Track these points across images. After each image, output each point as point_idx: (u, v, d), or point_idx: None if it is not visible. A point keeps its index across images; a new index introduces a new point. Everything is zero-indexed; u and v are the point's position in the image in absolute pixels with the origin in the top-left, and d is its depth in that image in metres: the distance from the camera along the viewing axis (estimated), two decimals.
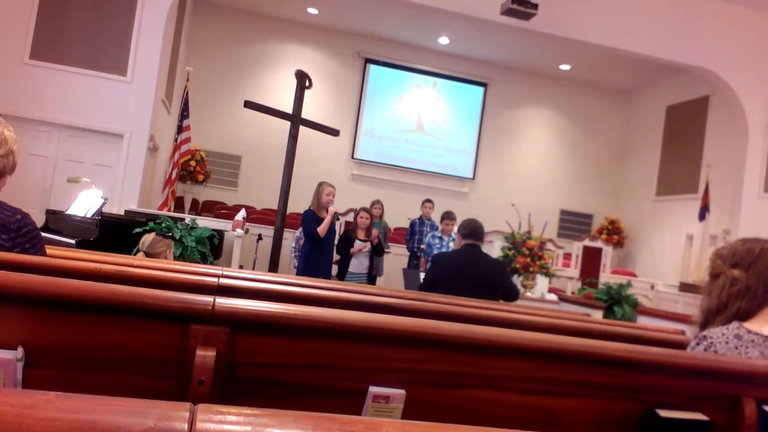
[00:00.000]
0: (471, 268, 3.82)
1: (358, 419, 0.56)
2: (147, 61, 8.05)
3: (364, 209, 7.15)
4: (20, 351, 1.06)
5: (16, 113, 7.41)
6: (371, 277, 7.18)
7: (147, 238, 4.15)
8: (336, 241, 7.01)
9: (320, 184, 6.51)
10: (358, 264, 6.97)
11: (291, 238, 7.48)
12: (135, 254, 4.34)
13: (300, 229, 7.36)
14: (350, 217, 8.66)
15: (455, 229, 6.48)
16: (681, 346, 2.05)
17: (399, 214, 10.65)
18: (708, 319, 1.76)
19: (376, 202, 8.11)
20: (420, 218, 8.15)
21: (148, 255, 4.03)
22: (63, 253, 2.38)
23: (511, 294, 3.99)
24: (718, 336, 1.64)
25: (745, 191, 9.39)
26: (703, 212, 9.82)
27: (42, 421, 0.48)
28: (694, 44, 9.29)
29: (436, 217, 8.25)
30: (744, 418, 1.33)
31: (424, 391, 1.22)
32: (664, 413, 1.30)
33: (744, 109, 9.42)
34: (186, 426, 0.51)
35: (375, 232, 6.86)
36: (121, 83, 7.99)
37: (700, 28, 9.28)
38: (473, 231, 3.96)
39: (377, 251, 7.04)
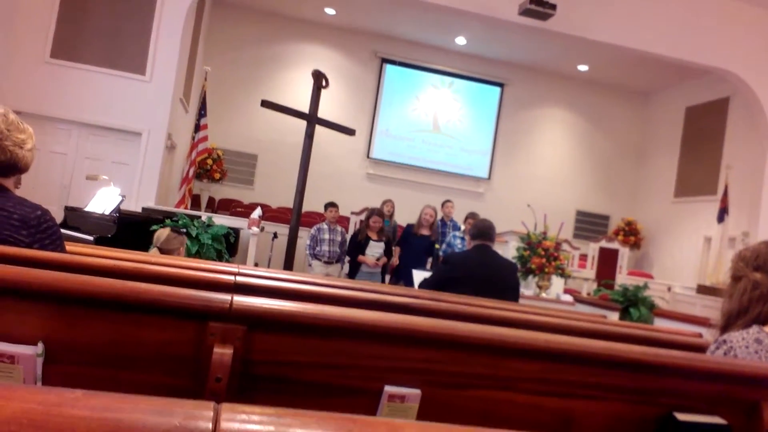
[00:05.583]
0: (482, 269, 3.79)
1: (380, 420, 0.56)
2: (165, 61, 8.12)
3: (376, 212, 7.15)
4: (40, 346, 1.08)
5: (36, 111, 7.50)
6: (384, 276, 7.21)
7: (161, 234, 4.15)
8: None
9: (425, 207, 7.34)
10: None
11: (306, 237, 7.50)
12: (150, 250, 4.36)
13: (315, 227, 7.40)
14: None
15: None
16: (698, 349, 2.03)
17: (414, 214, 10.57)
18: (728, 322, 1.74)
19: (387, 201, 8.11)
20: (442, 219, 8.09)
21: (162, 251, 4.04)
22: (82, 249, 2.40)
23: (517, 296, 3.98)
24: (738, 340, 1.62)
25: (764, 193, 9.26)
26: (722, 214, 9.72)
27: (69, 419, 0.49)
28: (714, 45, 9.19)
29: (457, 217, 8.23)
30: (763, 423, 1.31)
31: (440, 392, 1.22)
32: (682, 417, 1.29)
33: (764, 110, 9.29)
34: (210, 425, 0.51)
35: (377, 260, 6.95)
36: (139, 82, 8.06)
37: (720, 29, 9.18)
38: (482, 231, 3.91)
39: (388, 253, 7.11)
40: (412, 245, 7.19)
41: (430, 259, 7.32)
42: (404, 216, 8.50)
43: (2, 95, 7.31)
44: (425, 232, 7.26)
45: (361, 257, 7.02)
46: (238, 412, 0.53)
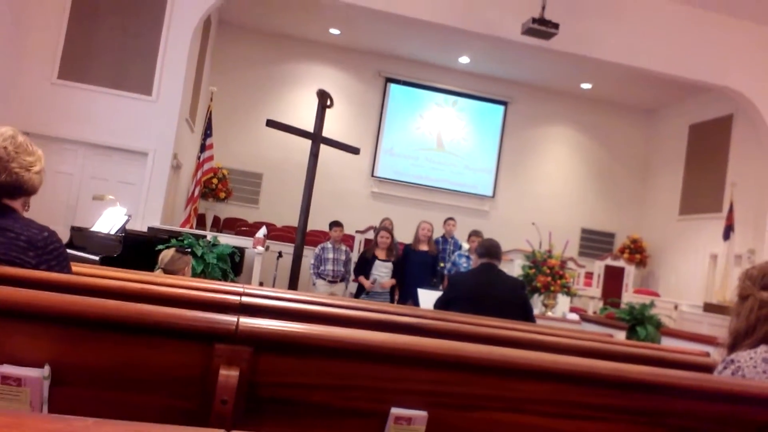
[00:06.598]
0: (487, 287, 3.80)
1: None
2: (172, 81, 8.18)
3: (384, 229, 7.17)
4: (47, 369, 1.08)
5: (43, 131, 7.56)
6: (391, 296, 7.18)
7: (166, 255, 4.16)
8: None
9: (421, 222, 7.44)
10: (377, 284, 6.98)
11: (311, 256, 7.50)
12: (155, 271, 4.36)
13: (320, 246, 7.41)
14: (370, 234, 8.67)
15: None
16: (706, 368, 2.01)
17: None
18: (736, 342, 1.73)
19: (385, 219, 8.10)
20: (443, 236, 8.08)
21: (166, 272, 4.04)
22: (88, 270, 2.41)
23: (530, 314, 3.95)
24: (745, 360, 1.61)
25: None
26: (728, 232, 9.68)
27: None
28: (717, 63, 9.22)
29: (459, 235, 8.21)
30: None
31: (446, 413, 1.21)
32: None
33: None
34: None
35: (388, 282, 6.96)
36: (146, 102, 8.12)
37: (723, 46, 9.21)
38: (489, 250, 3.94)
39: (396, 274, 7.09)
40: (413, 263, 7.17)
41: (434, 279, 7.29)
42: (409, 235, 8.48)
43: (9, 116, 7.37)
44: (424, 247, 7.25)
45: (361, 278, 7.00)
46: None
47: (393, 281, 7.00)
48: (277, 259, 8.02)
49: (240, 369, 1.10)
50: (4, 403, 1.06)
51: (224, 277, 6.61)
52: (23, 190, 1.94)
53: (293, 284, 6.52)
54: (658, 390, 1.31)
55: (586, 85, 12.24)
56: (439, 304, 3.87)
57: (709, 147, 11.33)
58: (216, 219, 11.18)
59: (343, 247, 7.45)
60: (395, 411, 1.17)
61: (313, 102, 6.75)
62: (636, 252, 12.22)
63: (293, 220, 8.02)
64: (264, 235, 7.56)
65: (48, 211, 7.45)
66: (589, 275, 10.54)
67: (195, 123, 10.14)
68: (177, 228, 7.95)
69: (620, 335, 6.06)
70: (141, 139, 8.10)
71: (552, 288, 6.71)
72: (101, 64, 8.04)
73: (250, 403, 1.12)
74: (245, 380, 1.11)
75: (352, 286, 7.48)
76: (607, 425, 1.29)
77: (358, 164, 11.71)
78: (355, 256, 7.77)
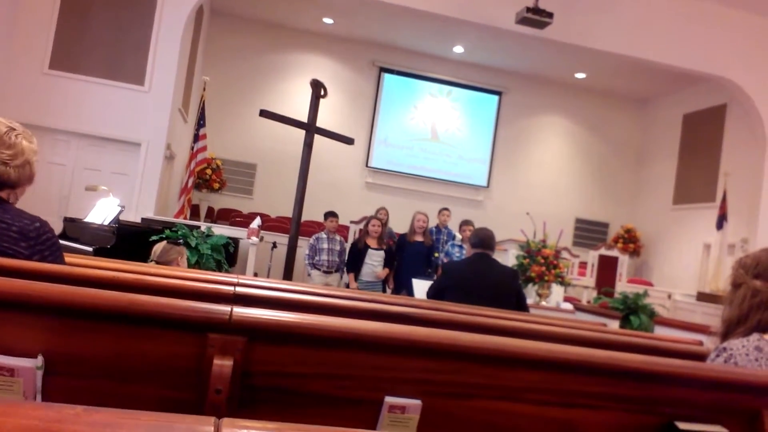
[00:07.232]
0: (480, 277, 3.81)
1: None
2: (164, 71, 8.13)
3: (375, 217, 7.20)
4: (40, 359, 1.07)
5: (35, 122, 7.49)
6: (384, 285, 7.20)
7: (158, 248, 4.13)
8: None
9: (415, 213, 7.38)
10: (370, 273, 7.00)
11: (305, 246, 7.49)
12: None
13: (314, 237, 7.40)
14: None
15: None
16: (699, 357, 2.03)
17: None
18: (729, 330, 1.74)
19: (381, 209, 8.09)
20: (437, 226, 8.08)
21: (159, 264, 4.02)
22: (81, 261, 2.40)
23: (523, 303, 3.96)
24: (738, 348, 1.62)
25: (763, 200, 9.28)
26: (721, 221, 9.72)
27: None
28: (710, 53, 9.22)
29: (452, 225, 8.21)
30: (765, 431, 1.31)
31: (440, 402, 1.21)
32: (683, 425, 1.28)
33: (762, 117, 9.32)
34: None
35: (383, 272, 7.00)
36: (138, 93, 8.07)
37: (716, 36, 9.21)
38: (482, 240, 3.94)
39: (389, 263, 7.11)
40: (408, 253, 7.19)
41: (429, 270, 7.29)
42: (404, 225, 8.48)
43: (0, 107, 7.31)
44: (419, 238, 7.26)
45: (350, 277, 7.03)
46: (238, 427, 0.53)
47: (387, 270, 7.02)
48: (272, 249, 8.01)
49: (234, 358, 1.10)
50: None
51: (219, 268, 6.60)
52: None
53: (288, 275, 6.51)
54: (652, 378, 1.31)
55: (580, 75, 12.24)
56: (432, 292, 3.88)
57: (702, 137, 11.36)
58: (210, 210, 11.16)
59: (338, 238, 7.45)
60: (389, 400, 1.17)
61: (307, 92, 6.71)
62: (630, 242, 12.26)
63: (288, 211, 8.00)
64: (258, 226, 7.55)
65: (41, 201, 7.42)
66: (583, 265, 10.58)
67: (188, 113, 10.09)
68: (171, 219, 7.93)
69: (614, 324, 6.08)
70: (134, 129, 8.06)
71: (546, 278, 6.73)
72: (93, 54, 7.98)
73: (245, 392, 1.12)
74: (239, 370, 1.10)
75: (347, 277, 7.48)
76: (600, 413, 1.30)
77: (353, 154, 11.69)
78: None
